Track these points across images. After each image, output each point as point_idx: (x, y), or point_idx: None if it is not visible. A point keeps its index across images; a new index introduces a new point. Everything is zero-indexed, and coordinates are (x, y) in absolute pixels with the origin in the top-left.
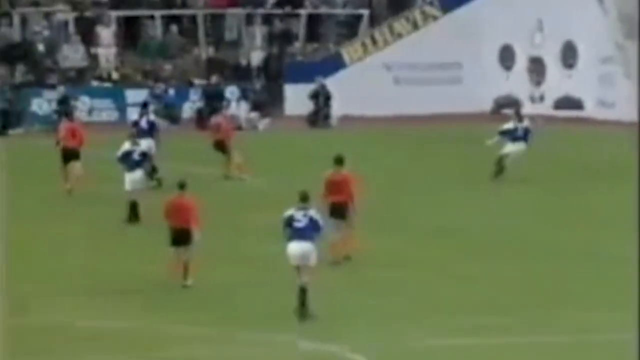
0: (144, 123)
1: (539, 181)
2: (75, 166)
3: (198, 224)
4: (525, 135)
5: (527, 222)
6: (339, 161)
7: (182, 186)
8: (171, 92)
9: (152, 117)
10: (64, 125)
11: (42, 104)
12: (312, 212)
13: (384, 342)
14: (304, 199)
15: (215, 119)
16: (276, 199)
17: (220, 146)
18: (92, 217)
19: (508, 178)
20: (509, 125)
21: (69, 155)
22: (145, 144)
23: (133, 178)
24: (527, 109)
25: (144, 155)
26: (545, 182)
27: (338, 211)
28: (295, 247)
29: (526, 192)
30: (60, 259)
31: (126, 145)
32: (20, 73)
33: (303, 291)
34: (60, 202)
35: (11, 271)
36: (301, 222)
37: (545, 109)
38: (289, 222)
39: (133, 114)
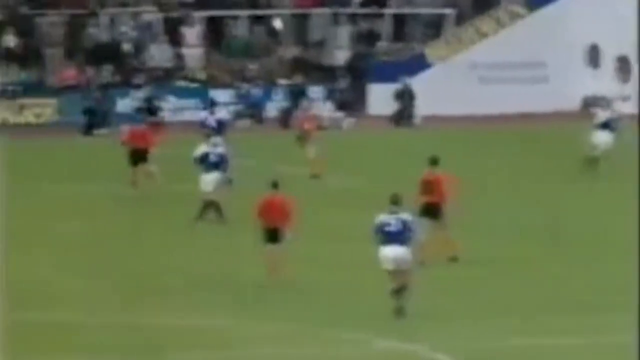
0: (212, 121)
1: (627, 180)
2: (143, 169)
3: (291, 223)
4: (613, 126)
5: (615, 221)
6: (433, 162)
7: (275, 185)
8: (256, 91)
9: (220, 115)
10: (130, 128)
11: (129, 103)
12: (404, 215)
13: (465, 341)
14: (396, 202)
15: (297, 115)
16: (361, 197)
17: (303, 142)
18: (173, 216)
19: (596, 177)
20: (600, 118)
21: (137, 157)
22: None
23: (210, 179)
24: (615, 107)
25: (221, 156)
26: (634, 181)
27: (431, 211)
28: (389, 252)
29: (614, 191)
30: (142, 257)
31: (203, 147)
32: (107, 73)
33: (399, 293)
34: (141, 201)
35: (91, 270)
36: (393, 226)
37: (634, 107)
38: (381, 227)
39: (218, 113)
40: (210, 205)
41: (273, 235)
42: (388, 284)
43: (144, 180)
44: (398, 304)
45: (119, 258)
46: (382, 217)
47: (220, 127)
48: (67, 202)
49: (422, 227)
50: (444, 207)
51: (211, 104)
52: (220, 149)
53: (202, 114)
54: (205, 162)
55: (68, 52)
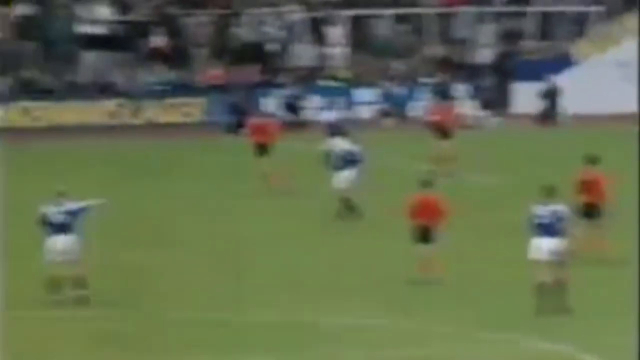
0: (334, 123)
1: None
2: (263, 162)
3: (445, 222)
4: None
5: None
6: (592, 160)
7: (426, 184)
8: (399, 90)
9: (339, 115)
10: (252, 121)
11: (273, 103)
12: (556, 207)
13: (614, 342)
14: (549, 193)
15: (431, 109)
16: (506, 196)
17: (445, 135)
18: (314, 215)
19: None
20: None
21: (259, 150)
22: (336, 143)
23: (342, 176)
24: None
25: (355, 154)
26: None
27: (589, 211)
28: (540, 243)
29: None
30: (284, 256)
31: (338, 144)
32: (251, 73)
33: (556, 289)
34: (282, 197)
35: (231, 267)
36: (546, 217)
37: None
38: (534, 219)
39: (362, 112)
40: (345, 203)
41: (425, 235)
42: (536, 279)
43: (274, 176)
44: (557, 300)
45: (260, 257)
46: (535, 209)
47: (345, 126)
48: (209, 201)
49: (577, 225)
50: (603, 206)
51: (329, 107)
52: (353, 147)
53: (328, 114)
54: (339, 160)
55: (214, 51)
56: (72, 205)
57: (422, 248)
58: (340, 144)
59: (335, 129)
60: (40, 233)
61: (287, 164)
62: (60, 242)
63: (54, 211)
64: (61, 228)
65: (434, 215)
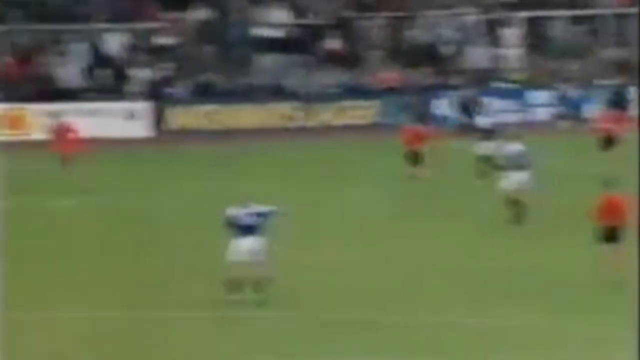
0: (487, 125)
1: None
2: (416, 170)
3: (629, 221)
4: None
5: None
6: None
7: (609, 183)
8: (574, 92)
9: (491, 119)
10: (407, 129)
11: (446, 105)
12: None
13: None
14: None
15: (603, 116)
16: None
17: (611, 143)
18: (483, 216)
19: None
20: None
21: (411, 158)
22: (487, 145)
23: (513, 179)
24: None
25: (525, 157)
26: None
27: None
28: None
29: None
30: (453, 258)
31: (509, 147)
32: (425, 75)
33: None
34: (452, 200)
35: (400, 269)
36: None
37: None
38: None
39: (537, 114)
40: (516, 205)
41: (612, 235)
42: None
43: (425, 179)
44: None
45: (431, 259)
46: None
47: (491, 131)
48: (380, 203)
49: None
50: None
51: (486, 111)
52: (522, 149)
53: (483, 119)
54: (516, 162)
55: (389, 54)
56: (260, 208)
57: (608, 248)
58: (509, 147)
59: (488, 134)
60: (225, 235)
61: (453, 167)
62: (248, 243)
63: (243, 213)
64: (250, 230)
65: (620, 215)
